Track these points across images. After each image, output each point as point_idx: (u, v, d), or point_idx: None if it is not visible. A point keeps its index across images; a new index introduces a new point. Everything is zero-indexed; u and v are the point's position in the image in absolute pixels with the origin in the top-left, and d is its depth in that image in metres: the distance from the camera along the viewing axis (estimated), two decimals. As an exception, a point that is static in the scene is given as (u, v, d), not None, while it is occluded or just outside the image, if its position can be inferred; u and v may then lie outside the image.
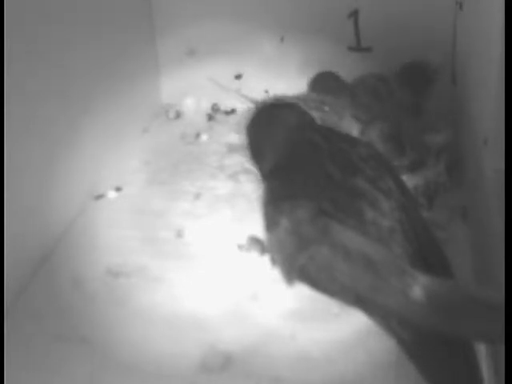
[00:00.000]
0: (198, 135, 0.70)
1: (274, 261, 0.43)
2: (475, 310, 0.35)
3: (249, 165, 0.48)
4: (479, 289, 0.41)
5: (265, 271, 0.49)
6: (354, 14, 0.68)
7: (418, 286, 0.35)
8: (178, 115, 0.74)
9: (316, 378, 0.42)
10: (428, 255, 0.40)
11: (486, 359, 0.39)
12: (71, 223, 0.57)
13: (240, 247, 0.53)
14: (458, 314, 0.35)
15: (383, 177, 0.42)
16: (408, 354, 0.37)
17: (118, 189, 0.62)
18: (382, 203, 0.40)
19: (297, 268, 0.40)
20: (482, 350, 0.39)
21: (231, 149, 0.66)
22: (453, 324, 0.35)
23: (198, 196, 0.60)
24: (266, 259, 0.51)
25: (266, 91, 0.72)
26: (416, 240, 0.40)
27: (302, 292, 0.42)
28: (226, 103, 0.74)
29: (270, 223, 0.42)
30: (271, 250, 0.43)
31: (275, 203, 0.42)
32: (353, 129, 0.59)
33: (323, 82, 0.64)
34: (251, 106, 0.69)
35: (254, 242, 0.53)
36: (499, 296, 0.33)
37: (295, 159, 0.43)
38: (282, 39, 0.71)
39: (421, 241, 0.40)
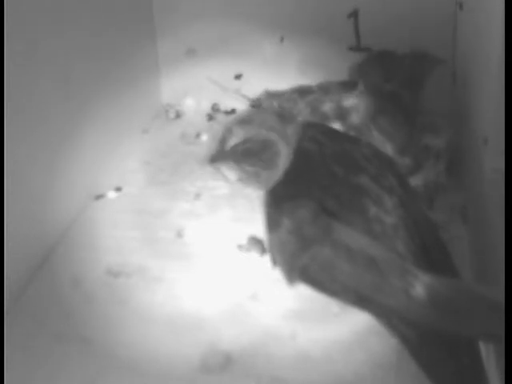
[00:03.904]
0: (198, 135, 0.70)
1: (274, 261, 0.43)
2: (476, 308, 0.35)
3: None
4: (480, 287, 0.41)
5: (265, 271, 0.49)
6: (354, 14, 0.68)
7: (420, 285, 0.35)
8: (178, 115, 0.74)
9: (316, 378, 0.42)
10: (431, 251, 0.40)
11: (491, 358, 0.39)
12: (71, 223, 0.57)
13: (240, 247, 0.53)
14: (460, 313, 0.35)
15: (386, 175, 0.42)
16: (411, 352, 0.37)
17: (118, 189, 0.62)
18: (385, 200, 0.40)
19: (298, 268, 0.40)
20: (487, 349, 0.39)
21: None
22: (454, 323, 0.35)
23: (198, 196, 0.60)
24: (266, 259, 0.51)
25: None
26: (419, 236, 0.40)
27: (302, 292, 0.42)
28: (226, 103, 0.74)
29: (272, 223, 0.42)
30: (272, 251, 0.43)
31: (276, 203, 0.42)
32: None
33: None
34: (253, 100, 0.69)
35: (254, 242, 0.53)
36: (500, 294, 0.33)
37: (297, 159, 0.43)
38: (281, 39, 0.71)
39: (424, 237, 0.40)
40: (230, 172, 0.44)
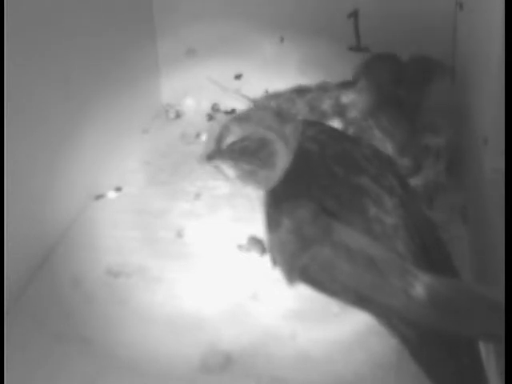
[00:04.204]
0: (198, 135, 0.70)
1: (274, 261, 0.43)
2: (476, 308, 0.35)
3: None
4: (480, 287, 0.41)
5: (265, 271, 0.49)
6: (354, 14, 0.68)
7: (420, 285, 0.35)
8: (178, 115, 0.74)
9: (316, 378, 0.42)
10: (431, 252, 0.40)
11: (489, 358, 0.39)
12: (71, 223, 0.57)
13: (240, 247, 0.53)
14: (460, 313, 0.35)
15: (386, 175, 0.42)
16: (411, 352, 0.37)
17: (118, 189, 0.62)
18: (385, 201, 0.40)
19: (298, 268, 0.40)
20: (487, 349, 0.39)
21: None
22: (454, 323, 0.35)
23: (198, 196, 0.60)
24: (266, 259, 0.51)
25: (267, 91, 0.72)
26: (419, 237, 0.40)
27: (302, 292, 0.42)
28: (226, 103, 0.74)
29: (272, 223, 0.42)
30: (272, 251, 0.43)
31: (276, 203, 0.42)
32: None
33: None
34: (251, 105, 0.70)
35: (254, 242, 0.53)
36: (500, 294, 0.33)
37: (297, 159, 0.43)
38: (281, 39, 0.71)
39: (424, 237, 0.40)
40: (228, 169, 0.44)
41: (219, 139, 0.43)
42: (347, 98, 0.60)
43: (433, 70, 0.62)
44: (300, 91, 0.63)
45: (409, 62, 0.62)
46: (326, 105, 0.61)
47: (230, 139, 0.43)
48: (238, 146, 0.42)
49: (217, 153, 0.43)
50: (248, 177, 0.43)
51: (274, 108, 0.62)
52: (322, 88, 0.63)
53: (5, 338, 0.42)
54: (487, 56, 0.46)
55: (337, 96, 0.60)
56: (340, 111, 0.60)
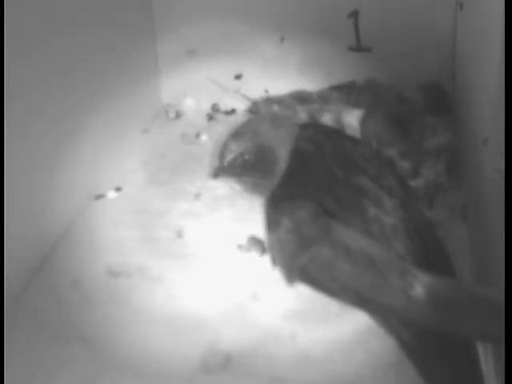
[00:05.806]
0: (198, 135, 0.70)
1: (274, 261, 0.43)
2: (476, 308, 0.35)
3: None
4: (480, 287, 0.41)
5: (265, 271, 0.49)
6: (354, 14, 0.68)
7: (419, 285, 0.35)
8: (178, 115, 0.74)
9: (316, 378, 0.42)
10: (430, 253, 0.40)
11: (487, 359, 0.39)
12: (71, 223, 0.57)
13: (240, 247, 0.53)
14: (459, 313, 0.35)
15: (386, 175, 0.42)
16: (408, 354, 0.37)
17: (118, 189, 0.62)
18: (384, 201, 0.40)
19: (298, 268, 0.40)
20: (483, 350, 0.39)
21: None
22: (454, 323, 0.35)
23: (198, 196, 0.60)
24: (266, 259, 0.51)
25: (266, 91, 0.72)
26: (418, 238, 0.40)
27: (302, 292, 0.42)
28: (226, 103, 0.74)
29: (271, 223, 0.42)
30: (272, 251, 0.43)
31: (276, 204, 0.42)
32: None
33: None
34: (251, 105, 0.70)
35: (254, 242, 0.53)
36: (500, 294, 0.33)
37: (297, 159, 0.43)
38: (282, 39, 0.71)
39: (423, 238, 0.40)
40: (234, 184, 0.45)
41: (221, 157, 0.45)
42: (348, 119, 0.60)
43: (437, 99, 0.62)
44: (301, 99, 0.64)
45: (414, 92, 0.62)
46: (327, 119, 0.61)
47: (229, 156, 0.44)
48: (238, 161, 0.44)
49: (220, 170, 0.45)
50: (253, 188, 0.45)
51: (269, 115, 0.63)
52: (323, 98, 0.63)
53: (5, 338, 0.42)
54: (487, 56, 0.46)
55: (338, 113, 0.60)
56: (340, 128, 0.60)
